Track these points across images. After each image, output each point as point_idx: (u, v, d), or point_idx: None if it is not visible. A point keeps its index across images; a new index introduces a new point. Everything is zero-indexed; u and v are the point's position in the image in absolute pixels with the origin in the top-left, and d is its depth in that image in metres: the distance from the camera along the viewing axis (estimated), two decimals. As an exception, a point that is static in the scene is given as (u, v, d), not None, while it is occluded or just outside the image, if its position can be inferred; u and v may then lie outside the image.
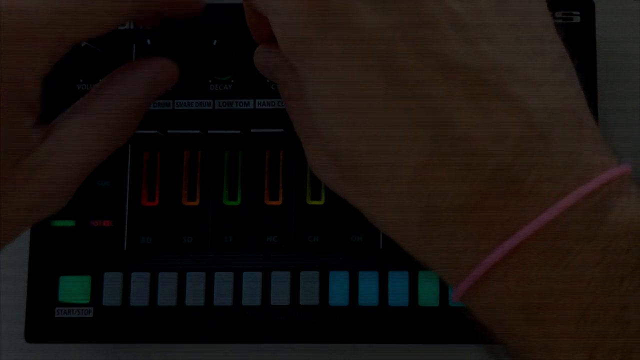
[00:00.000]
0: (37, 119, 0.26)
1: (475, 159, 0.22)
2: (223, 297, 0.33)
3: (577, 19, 0.33)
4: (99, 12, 0.25)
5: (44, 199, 0.26)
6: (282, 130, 0.33)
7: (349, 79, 0.22)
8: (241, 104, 0.33)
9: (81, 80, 0.34)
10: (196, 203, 0.33)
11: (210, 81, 0.33)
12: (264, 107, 0.33)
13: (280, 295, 0.32)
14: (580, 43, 0.33)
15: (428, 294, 0.32)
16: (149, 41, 0.33)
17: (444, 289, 0.32)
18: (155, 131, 0.33)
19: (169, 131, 0.33)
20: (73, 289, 0.33)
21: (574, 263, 0.21)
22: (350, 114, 0.23)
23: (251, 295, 0.32)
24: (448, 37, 0.22)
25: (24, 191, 0.25)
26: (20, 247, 0.34)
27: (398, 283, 0.32)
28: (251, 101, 0.33)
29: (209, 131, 0.33)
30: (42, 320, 0.33)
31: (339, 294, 0.32)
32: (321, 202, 0.33)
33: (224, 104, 0.33)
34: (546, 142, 0.22)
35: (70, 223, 0.33)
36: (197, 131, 0.33)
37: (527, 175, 0.21)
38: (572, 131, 0.22)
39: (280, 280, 0.32)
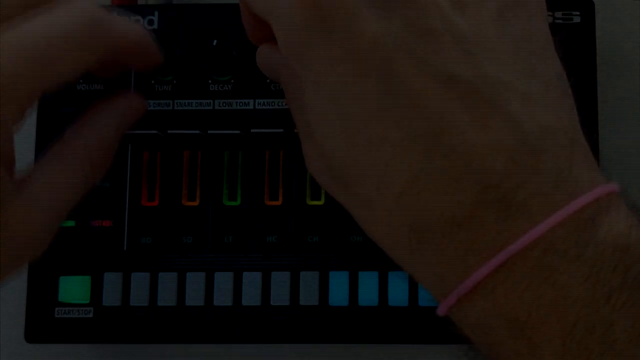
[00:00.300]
0: (11, 171, 0.25)
1: (467, 172, 0.21)
2: (223, 297, 0.32)
3: (577, 19, 0.33)
4: (65, 63, 0.25)
5: (22, 250, 0.26)
6: (282, 130, 0.33)
7: (346, 84, 0.22)
8: (241, 104, 0.33)
9: (81, 81, 0.34)
10: (196, 203, 0.33)
11: (210, 81, 0.33)
12: (263, 107, 0.33)
13: (280, 295, 0.32)
14: (580, 43, 0.33)
15: (428, 294, 0.32)
16: (149, 41, 0.33)
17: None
18: (155, 131, 0.33)
19: (169, 131, 0.33)
20: (73, 289, 0.33)
21: (561, 280, 0.21)
22: (344, 119, 0.23)
23: (251, 295, 0.32)
24: (448, 49, 0.22)
25: (1, 244, 0.25)
26: (20, 247, 0.34)
27: (398, 283, 0.32)
28: (251, 101, 0.33)
29: (209, 131, 0.33)
30: (42, 321, 0.33)
31: (339, 294, 0.32)
32: (321, 202, 0.33)
33: (224, 104, 0.33)
34: (537, 159, 0.22)
35: (70, 223, 0.33)
36: (197, 131, 0.33)
37: (517, 190, 0.21)
38: (563, 149, 0.22)
39: (280, 280, 0.32)
